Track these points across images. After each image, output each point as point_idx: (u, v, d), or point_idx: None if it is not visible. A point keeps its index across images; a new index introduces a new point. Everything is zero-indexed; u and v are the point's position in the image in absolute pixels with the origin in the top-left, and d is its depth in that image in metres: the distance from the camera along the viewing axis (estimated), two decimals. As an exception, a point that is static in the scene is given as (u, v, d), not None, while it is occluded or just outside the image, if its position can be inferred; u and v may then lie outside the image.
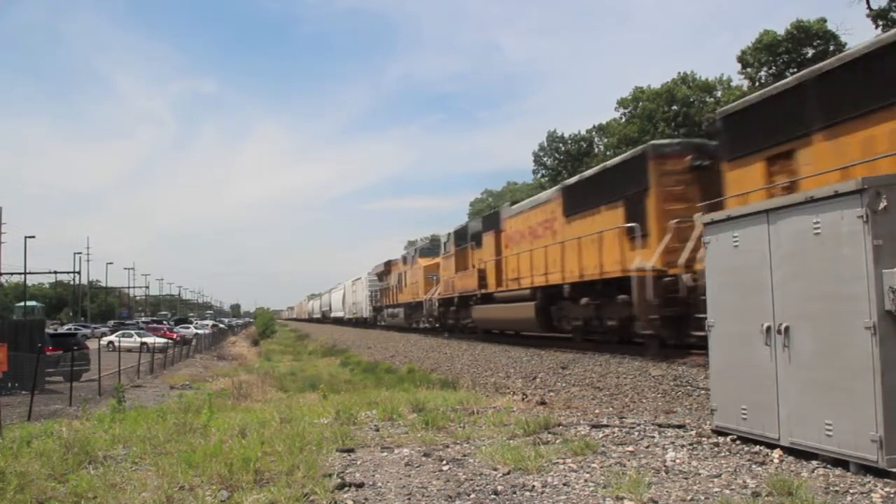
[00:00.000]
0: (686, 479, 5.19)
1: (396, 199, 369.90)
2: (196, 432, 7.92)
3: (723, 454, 5.97)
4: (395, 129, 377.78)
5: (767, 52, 41.96)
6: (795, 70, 38.76)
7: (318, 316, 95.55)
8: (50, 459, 6.56)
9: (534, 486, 5.08)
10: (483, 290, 23.91)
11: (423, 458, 6.14)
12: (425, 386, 13.43)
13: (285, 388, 18.35)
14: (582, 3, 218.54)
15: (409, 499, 4.93)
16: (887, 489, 4.73)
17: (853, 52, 9.08)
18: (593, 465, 5.69)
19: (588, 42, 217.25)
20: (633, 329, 14.61)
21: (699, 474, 5.31)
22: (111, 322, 75.80)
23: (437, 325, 32.10)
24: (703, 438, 6.60)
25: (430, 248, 35.78)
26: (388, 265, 45.75)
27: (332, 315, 77.85)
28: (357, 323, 59.51)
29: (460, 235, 27.96)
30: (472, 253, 25.85)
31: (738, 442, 6.29)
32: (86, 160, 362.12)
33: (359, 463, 6.07)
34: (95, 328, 62.79)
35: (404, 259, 40.64)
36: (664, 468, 5.51)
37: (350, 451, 6.50)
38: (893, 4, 34.81)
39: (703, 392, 9.70)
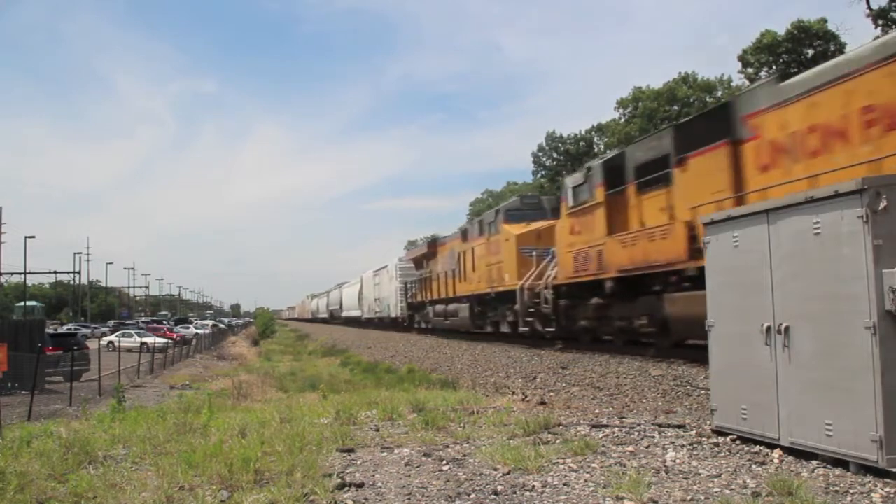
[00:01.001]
0: (686, 479, 5.19)
1: (396, 199, 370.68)
2: (196, 432, 7.92)
3: (723, 454, 5.97)
4: (395, 129, 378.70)
5: (768, 52, 41.98)
6: (796, 70, 38.70)
7: (325, 316, 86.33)
8: (50, 459, 6.56)
9: (534, 486, 5.07)
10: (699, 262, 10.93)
11: (423, 458, 6.14)
12: (425, 386, 13.45)
13: (285, 388, 18.37)
14: (582, 3, 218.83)
15: (409, 499, 4.93)
16: (887, 489, 4.72)
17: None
18: (593, 465, 5.68)
19: (588, 42, 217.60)
20: None
21: (699, 474, 5.31)
22: (111, 322, 75.86)
23: (546, 329, 19.02)
24: (703, 438, 6.60)
25: (522, 209, 23.22)
26: (434, 246, 33.35)
27: (344, 314, 67.29)
28: (381, 324, 48.54)
29: (612, 170, 15.38)
30: (648, 198, 14.13)
31: (738, 442, 6.29)
32: (86, 160, 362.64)
33: (359, 463, 6.06)
34: (95, 328, 62.84)
35: (465, 233, 27.59)
36: (664, 468, 5.51)
37: (350, 451, 6.49)
38: (893, 4, 34.80)
39: (703, 392, 9.70)
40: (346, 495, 5.01)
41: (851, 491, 4.75)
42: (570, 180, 17.94)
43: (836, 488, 4.82)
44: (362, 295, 56.36)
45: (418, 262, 36.64)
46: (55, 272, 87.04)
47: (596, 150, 62.10)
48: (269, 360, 34.64)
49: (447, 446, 6.66)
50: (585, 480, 5.19)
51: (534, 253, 20.29)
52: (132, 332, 42.40)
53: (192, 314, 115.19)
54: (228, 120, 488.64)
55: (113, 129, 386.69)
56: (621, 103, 56.16)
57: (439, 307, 30.61)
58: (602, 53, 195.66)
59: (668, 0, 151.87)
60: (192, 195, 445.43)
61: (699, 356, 11.93)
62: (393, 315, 43.58)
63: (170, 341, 38.01)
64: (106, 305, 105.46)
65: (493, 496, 4.92)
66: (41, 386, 17.07)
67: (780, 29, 41.98)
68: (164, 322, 65.79)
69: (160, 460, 6.26)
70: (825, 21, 40.54)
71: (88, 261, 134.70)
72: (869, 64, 9.27)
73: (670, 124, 17.38)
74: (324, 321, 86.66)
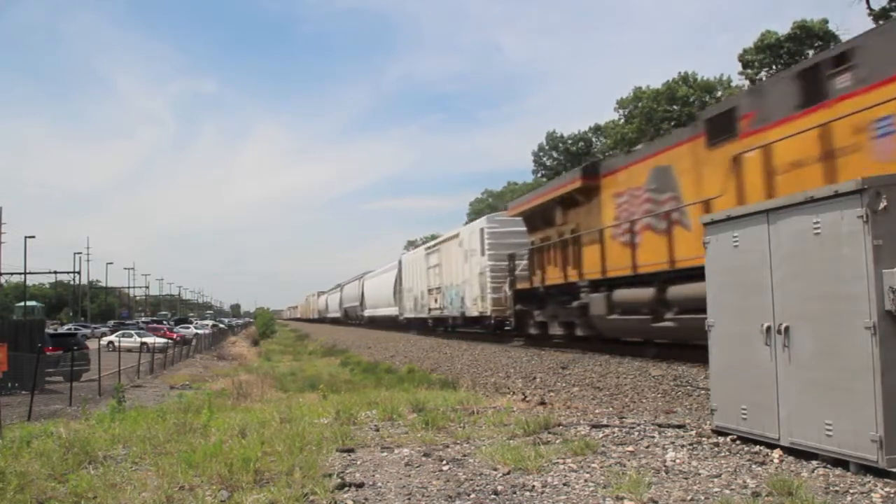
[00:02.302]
0: (686, 479, 5.19)
1: (396, 199, 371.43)
2: (196, 432, 7.92)
3: (723, 454, 5.97)
4: (395, 129, 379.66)
5: (769, 53, 41.98)
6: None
7: (336, 315, 70.95)
8: (50, 459, 6.56)
9: (534, 486, 5.07)
10: None
11: (423, 458, 6.14)
12: (425, 386, 13.43)
13: (285, 388, 18.32)
14: (582, 3, 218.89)
15: (409, 499, 4.93)
16: (887, 489, 4.72)
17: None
18: (593, 465, 5.68)
19: (588, 42, 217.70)
20: None
21: (699, 474, 5.31)
22: (111, 322, 75.88)
23: None
24: (703, 438, 6.60)
25: None
26: (591, 176, 16.55)
27: (368, 314, 52.85)
28: (438, 329, 32.95)
29: None
30: None
31: (738, 442, 6.29)
32: (86, 160, 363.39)
33: (359, 463, 6.06)
34: (95, 328, 62.86)
35: (717, 124, 11.75)
36: (664, 468, 5.51)
37: (350, 451, 6.49)
38: (893, 4, 34.82)
39: (703, 392, 9.70)
40: (346, 495, 5.01)
41: (851, 491, 4.75)
42: None
43: (836, 488, 4.82)
44: (401, 286, 39.62)
45: (538, 218, 20.27)
46: (55, 272, 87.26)
47: (595, 149, 62.13)
48: (269, 360, 34.60)
49: (447, 446, 6.66)
50: (585, 480, 5.19)
51: None
52: (132, 332, 42.41)
53: (192, 314, 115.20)
54: (228, 120, 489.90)
55: (113, 129, 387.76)
56: (621, 103, 56.09)
57: (627, 293, 14.86)
58: (602, 53, 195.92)
59: (668, 0, 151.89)
60: (192, 195, 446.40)
61: (699, 356, 11.93)
62: (473, 313, 26.07)
63: (170, 341, 38.00)
64: (106, 305, 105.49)
65: (493, 496, 4.92)
66: (41, 386, 17.06)
67: (780, 30, 42.02)
68: (164, 322, 65.82)
69: (160, 460, 6.26)
70: (826, 21, 40.56)
71: (88, 261, 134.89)
72: None
73: None
74: (334, 322, 71.26)
